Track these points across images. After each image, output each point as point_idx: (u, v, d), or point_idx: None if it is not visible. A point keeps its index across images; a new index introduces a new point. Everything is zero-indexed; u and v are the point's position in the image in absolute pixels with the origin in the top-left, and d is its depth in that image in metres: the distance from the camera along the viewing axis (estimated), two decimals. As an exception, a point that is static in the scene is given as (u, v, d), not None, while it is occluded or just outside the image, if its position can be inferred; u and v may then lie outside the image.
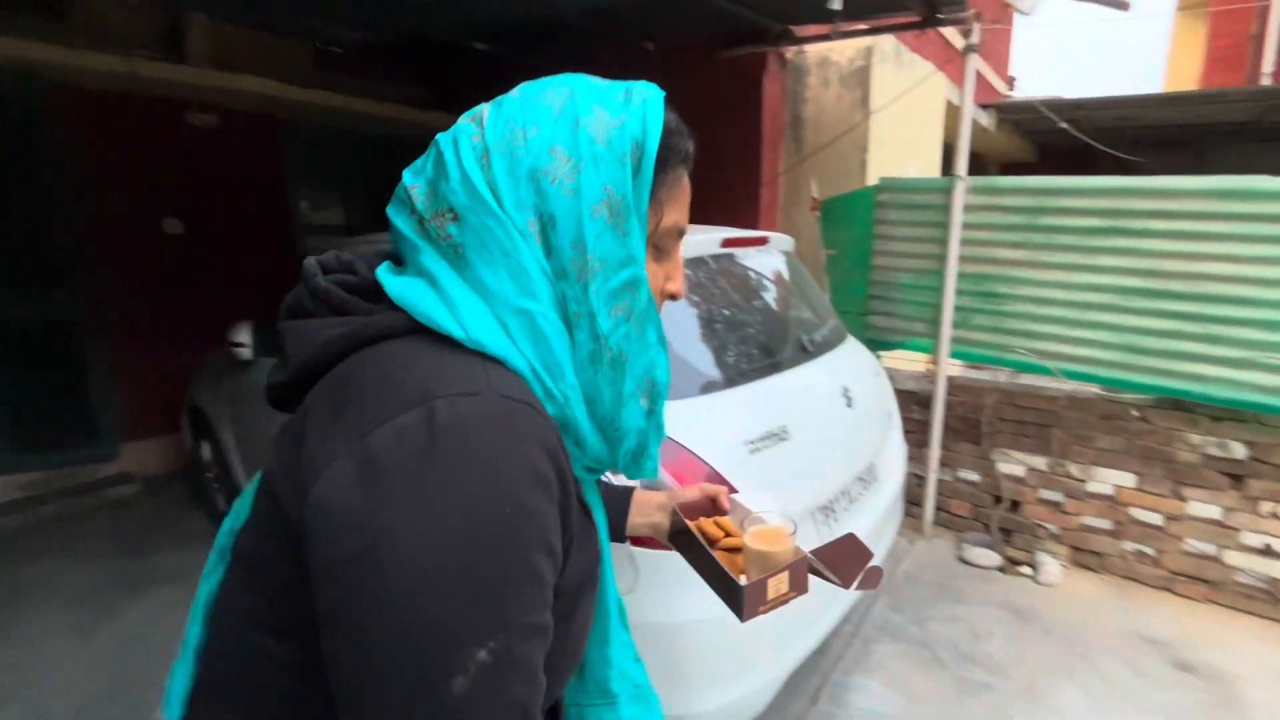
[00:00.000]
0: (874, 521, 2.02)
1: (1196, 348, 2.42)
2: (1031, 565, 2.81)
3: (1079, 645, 2.32)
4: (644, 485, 0.99)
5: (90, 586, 2.78)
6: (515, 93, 0.55)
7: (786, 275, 2.19)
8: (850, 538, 0.86)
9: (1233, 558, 2.51)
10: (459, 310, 0.50)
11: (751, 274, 2.02)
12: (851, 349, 2.29)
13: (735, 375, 1.70)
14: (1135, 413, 2.65)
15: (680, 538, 0.88)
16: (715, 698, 1.44)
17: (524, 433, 0.47)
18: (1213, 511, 2.54)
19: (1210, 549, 2.55)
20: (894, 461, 2.28)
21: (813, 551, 0.82)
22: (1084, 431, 2.77)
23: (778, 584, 0.77)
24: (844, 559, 0.84)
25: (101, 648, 2.37)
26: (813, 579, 0.80)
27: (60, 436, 3.83)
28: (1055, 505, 2.89)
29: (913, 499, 3.27)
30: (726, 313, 1.82)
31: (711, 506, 0.91)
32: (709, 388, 1.63)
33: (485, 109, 0.55)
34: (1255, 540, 2.47)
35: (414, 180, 0.55)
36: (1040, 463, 2.90)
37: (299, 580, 0.47)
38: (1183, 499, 2.59)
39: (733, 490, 0.96)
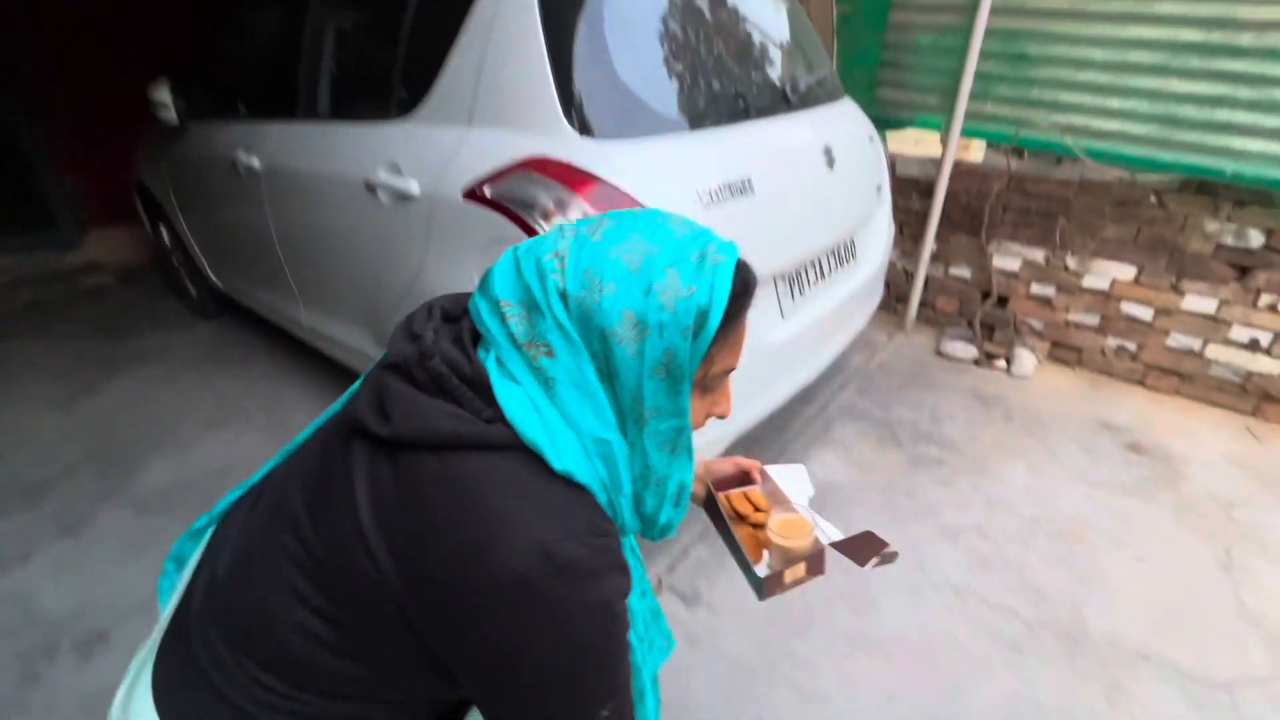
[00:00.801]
0: (845, 303, 1.91)
1: (1245, 117, 2.11)
2: (1008, 360, 2.79)
3: (1036, 429, 2.36)
4: None
5: (69, 365, 2.81)
6: (598, 236, 0.59)
7: (780, 14, 1.83)
8: (869, 534, 0.88)
9: (1215, 351, 2.45)
10: (557, 442, 0.58)
11: (735, 5, 1.67)
12: (844, 110, 2.00)
13: (696, 117, 1.46)
14: (1153, 198, 2.41)
15: (711, 509, 0.96)
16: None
17: (610, 561, 0.59)
18: (1208, 306, 2.42)
19: (1195, 344, 2.49)
20: (877, 240, 2.11)
21: (832, 544, 0.87)
22: (1092, 220, 2.56)
23: (795, 573, 0.86)
24: (861, 547, 0.88)
25: (83, 418, 2.44)
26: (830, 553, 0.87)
27: (18, 224, 3.73)
28: (1044, 301, 2.78)
29: (898, 295, 3.17)
30: (698, 45, 1.52)
31: (744, 477, 1.02)
32: (664, 127, 1.41)
33: (567, 246, 0.59)
34: (1243, 335, 2.38)
35: (507, 297, 0.60)
36: (1038, 256, 2.73)
37: (380, 617, 0.60)
38: (1180, 292, 2.46)
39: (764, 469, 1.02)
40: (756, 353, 1.52)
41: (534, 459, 0.58)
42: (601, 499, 0.62)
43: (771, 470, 1.01)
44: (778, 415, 2.39)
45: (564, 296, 0.57)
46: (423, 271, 1.57)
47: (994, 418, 2.42)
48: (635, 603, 0.81)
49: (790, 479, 1.01)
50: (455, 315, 0.67)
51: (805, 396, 2.52)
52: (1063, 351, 2.81)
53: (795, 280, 1.68)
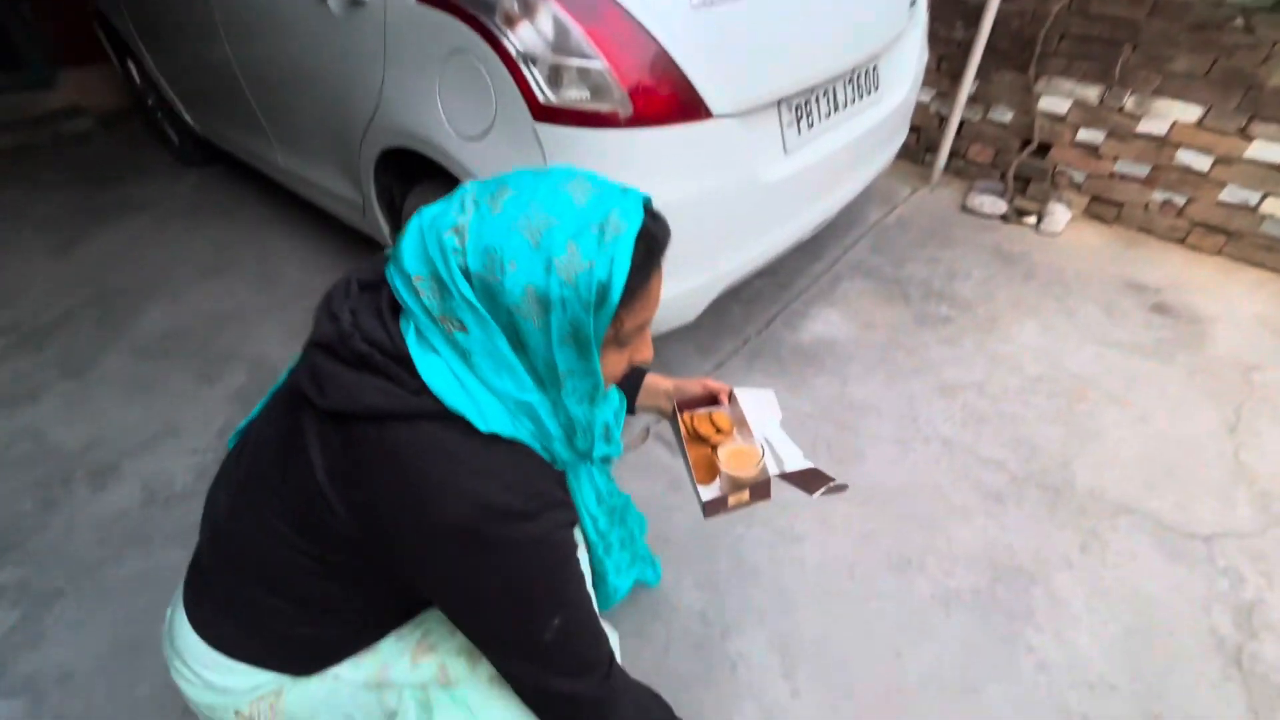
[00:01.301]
0: (862, 141, 1.71)
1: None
2: (1038, 216, 2.58)
3: (1057, 288, 2.22)
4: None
5: (60, 214, 2.75)
6: (498, 208, 0.58)
7: None
8: (815, 470, 0.90)
9: (1273, 205, 2.22)
10: (480, 406, 0.62)
11: None
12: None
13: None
14: (1239, 20, 2.06)
15: (674, 427, 1.01)
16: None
17: (543, 503, 0.64)
18: (1275, 154, 2.16)
19: (1252, 197, 2.25)
20: (905, 69, 1.86)
21: (779, 475, 0.90)
22: (1162, 50, 2.22)
23: (739, 498, 0.91)
24: (809, 479, 0.90)
25: (78, 267, 2.42)
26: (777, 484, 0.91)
27: None
28: (1090, 149, 2.50)
29: (927, 144, 2.89)
30: None
31: (712, 399, 1.06)
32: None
33: (467, 221, 0.58)
34: (1309, 186, 2.14)
35: (418, 271, 0.60)
36: (1091, 95, 2.42)
37: (351, 550, 0.66)
38: (1248, 137, 2.18)
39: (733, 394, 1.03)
40: (750, 191, 1.39)
41: (462, 423, 0.61)
42: (535, 447, 0.67)
43: (741, 394, 1.02)
44: (783, 272, 2.28)
45: (467, 274, 0.58)
46: (383, 95, 1.41)
47: (1013, 276, 2.28)
48: (593, 508, 0.89)
49: (759, 404, 1.03)
50: (375, 283, 0.66)
51: (813, 252, 2.39)
52: (1101, 206, 2.58)
53: (803, 109, 1.49)
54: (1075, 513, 1.49)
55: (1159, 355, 1.94)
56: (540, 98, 1.15)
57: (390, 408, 0.60)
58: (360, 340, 0.61)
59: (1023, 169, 2.68)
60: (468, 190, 0.62)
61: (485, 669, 0.79)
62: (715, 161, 1.30)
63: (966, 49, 2.53)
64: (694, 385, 1.07)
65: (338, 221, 2.23)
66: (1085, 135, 2.50)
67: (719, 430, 1.01)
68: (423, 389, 0.60)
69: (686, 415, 1.03)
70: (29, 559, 1.43)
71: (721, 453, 0.96)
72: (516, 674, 0.70)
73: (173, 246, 2.53)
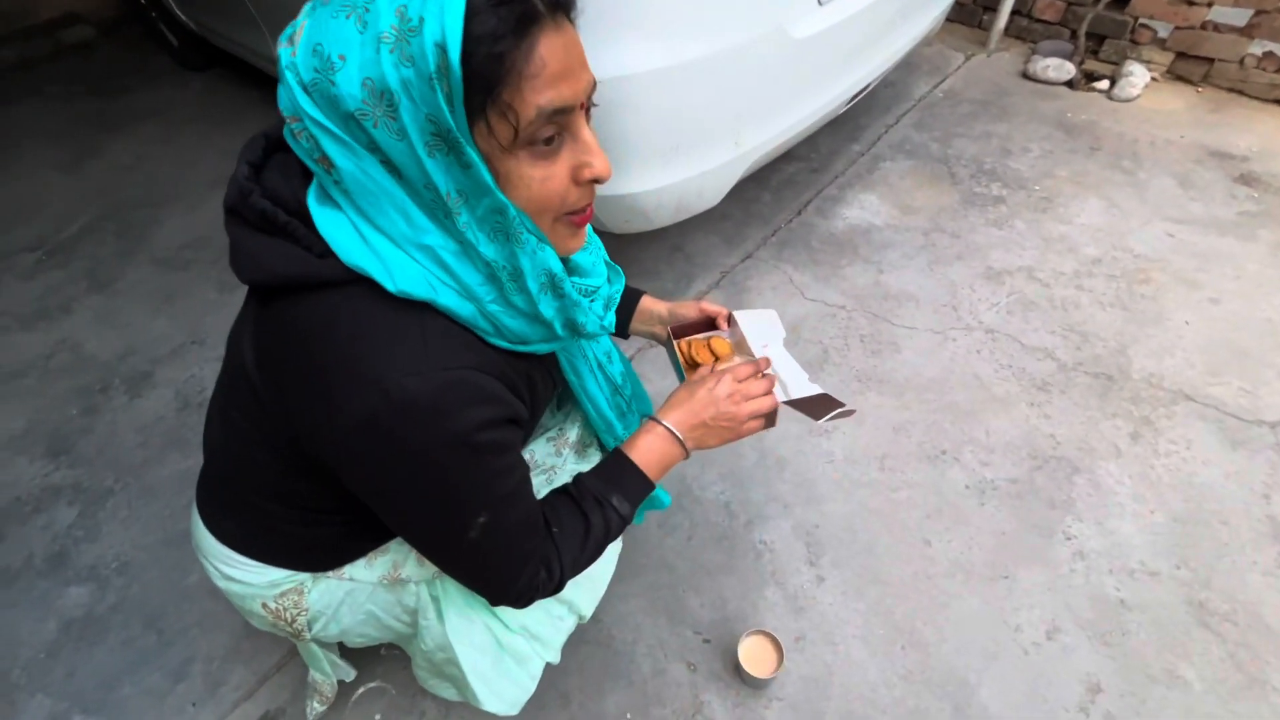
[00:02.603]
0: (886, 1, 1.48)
1: None
2: (1112, 79, 2.28)
3: (1127, 160, 1.99)
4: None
5: (68, 127, 2.70)
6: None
7: None
8: (823, 396, 0.83)
9: (1397, 50, 1.91)
10: (386, 262, 0.50)
11: None
12: None
13: None
14: None
15: (670, 354, 0.95)
16: (649, 175, 1.25)
17: (465, 389, 0.53)
18: None
19: (1371, 41, 1.93)
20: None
21: (785, 403, 0.83)
22: None
23: None
24: (816, 405, 0.85)
25: (92, 180, 2.39)
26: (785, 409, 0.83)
27: None
28: (1180, -6, 2.16)
29: (986, 1, 2.55)
30: None
31: (709, 323, 0.96)
32: None
33: (302, 24, 0.47)
34: None
35: (286, 109, 0.48)
36: (1188, -76, 2.05)
37: (295, 454, 0.61)
38: (1378, -35, 1.84)
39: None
40: (780, 49, 1.23)
41: (372, 287, 0.51)
42: (464, 312, 0.54)
43: (741, 317, 0.94)
44: (816, 155, 2.10)
45: (307, 90, 0.46)
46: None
47: (1077, 149, 2.06)
48: (605, 409, 0.85)
49: (760, 325, 0.95)
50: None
51: (849, 132, 2.19)
52: (1187, 64, 2.27)
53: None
54: (1128, 401, 1.40)
55: (1239, 231, 1.74)
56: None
57: (296, 273, 0.51)
58: (260, 196, 0.52)
59: (1097, 25, 2.35)
60: None
61: None
62: (737, 14, 1.13)
63: (1039, -124, 2.16)
64: (689, 309, 0.96)
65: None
66: (1176, -23, 2.15)
67: (718, 358, 0.94)
68: (328, 251, 0.51)
69: (683, 343, 0.97)
70: (80, 461, 1.50)
71: (740, 650, 1.01)
72: (449, 571, 0.66)
73: (183, 155, 2.47)
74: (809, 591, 1.16)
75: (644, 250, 1.84)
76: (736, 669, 1.05)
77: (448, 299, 0.52)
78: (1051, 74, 2.33)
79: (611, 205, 1.30)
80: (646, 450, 0.75)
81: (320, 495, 0.67)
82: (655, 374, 1.53)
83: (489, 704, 0.80)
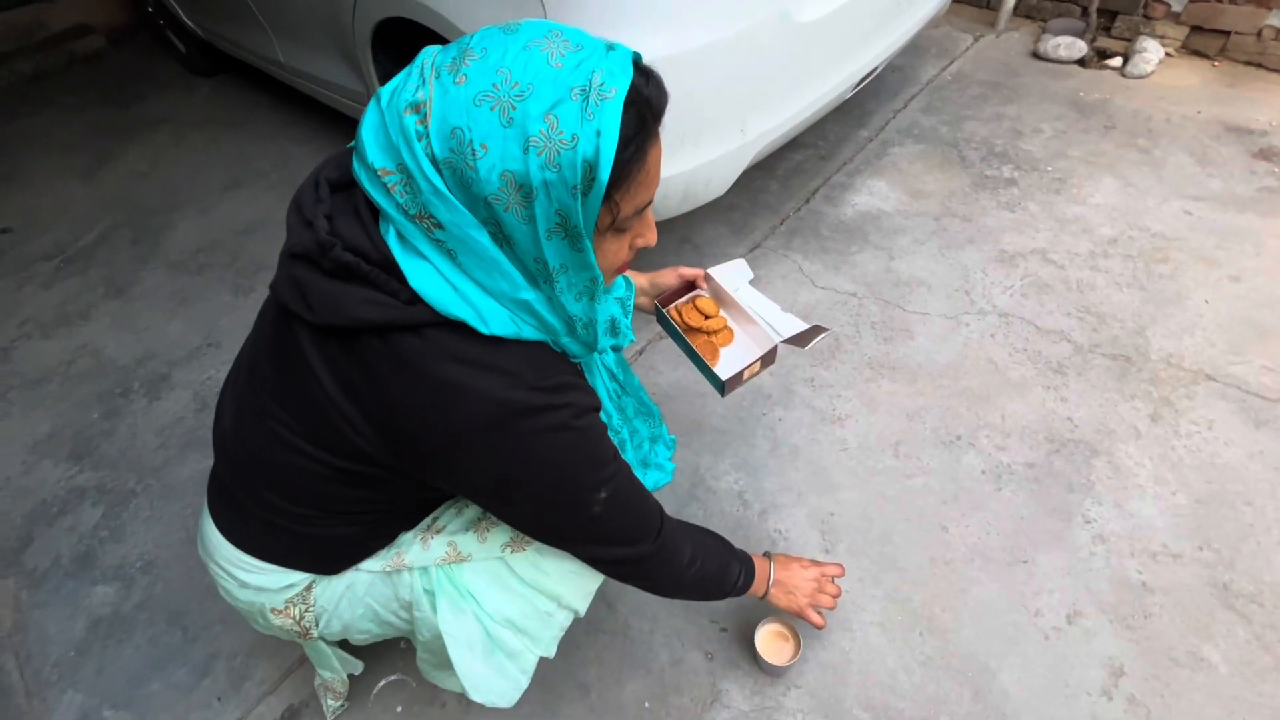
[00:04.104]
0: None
1: None
2: (1124, 57, 2.24)
3: (1142, 138, 1.96)
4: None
5: (83, 136, 2.74)
6: (462, 77, 0.49)
7: None
8: (816, 328, 0.94)
9: None
10: (479, 309, 0.56)
11: None
12: None
13: None
14: None
15: (664, 321, 1.01)
16: (664, 165, 1.24)
17: (558, 391, 0.62)
18: None
19: (1395, 8, 1.88)
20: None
21: (783, 341, 0.94)
22: None
23: (751, 369, 0.95)
24: (804, 336, 0.94)
25: (107, 187, 2.42)
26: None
27: None
28: (1195, -34, 2.11)
29: (995, -20, 2.51)
30: None
31: (690, 286, 1.04)
32: None
33: (430, 96, 0.49)
34: None
35: (383, 164, 0.52)
36: (1202, -106, 2.01)
37: (374, 465, 0.64)
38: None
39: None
40: (784, 34, 1.22)
41: (463, 328, 0.56)
42: (543, 338, 0.62)
43: (715, 271, 1.03)
44: (824, 142, 2.09)
45: (435, 163, 0.50)
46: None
47: (1090, 128, 2.02)
48: (606, 404, 0.93)
49: (732, 274, 1.03)
50: (346, 182, 0.60)
51: (857, 118, 2.17)
52: (1203, 39, 2.22)
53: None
54: (1147, 382, 1.38)
55: (1259, 208, 1.71)
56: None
57: (385, 319, 0.55)
58: (342, 249, 0.55)
59: (1108, 1, 2.30)
60: (427, 56, 0.52)
61: (497, 539, 0.79)
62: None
63: None
64: (668, 276, 1.04)
65: (353, 121, 2.13)
66: (1190, -51, 2.10)
67: (707, 316, 1.01)
68: (415, 298, 0.55)
69: (673, 310, 1.03)
70: (103, 463, 1.52)
71: (758, 639, 1.04)
72: (575, 551, 0.74)
73: (194, 161, 2.50)
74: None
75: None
76: (754, 657, 1.05)
77: (529, 335, 0.60)
78: (1063, 53, 2.29)
79: (618, 197, 1.29)
80: (761, 569, 0.95)
81: (371, 499, 0.70)
82: (666, 365, 1.53)
83: (477, 695, 0.81)
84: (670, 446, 1.29)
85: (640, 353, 1.58)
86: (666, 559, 0.78)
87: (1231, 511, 1.18)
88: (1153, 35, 2.25)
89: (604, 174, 0.49)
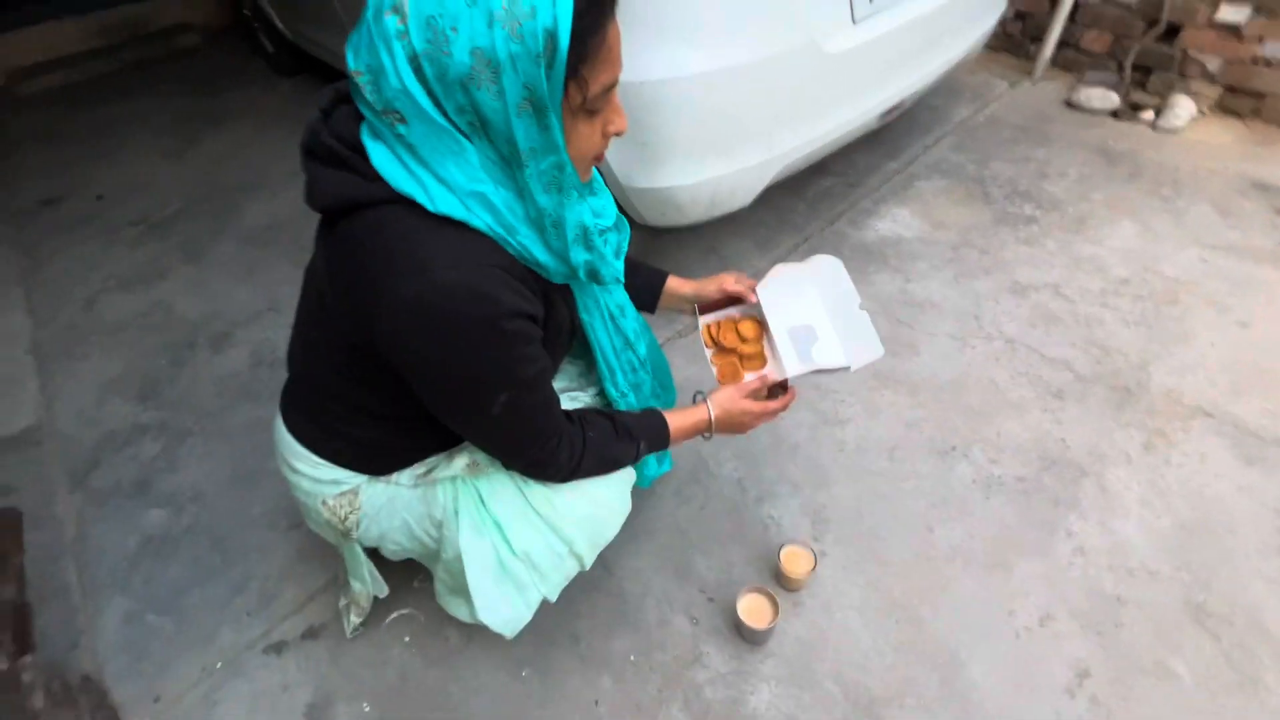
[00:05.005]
0: (940, 16, 1.57)
1: None
2: (1158, 110, 2.30)
3: (1166, 188, 2.01)
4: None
5: (174, 121, 3.01)
6: None
7: None
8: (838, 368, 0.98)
9: None
10: (429, 190, 0.63)
11: None
12: None
13: None
14: None
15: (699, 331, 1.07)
16: (684, 171, 1.36)
17: (492, 285, 0.65)
18: None
19: None
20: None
21: (814, 371, 0.97)
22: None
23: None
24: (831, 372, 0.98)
25: (192, 167, 2.67)
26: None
27: None
28: (1230, 30, 2.18)
29: (1034, 31, 2.61)
30: None
31: (733, 302, 1.08)
32: None
33: None
34: None
35: (357, 66, 0.59)
36: (1239, -39, 2.08)
37: (350, 350, 0.75)
38: None
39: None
40: (811, 61, 1.34)
41: (414, 206, 0.63)
42: (494, 234, 0.66)
43: (765, 295, 1.01)
44: (853, 170, 2.19)
45: (414, 60, 0.56)
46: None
47: (1115, 175, 2.08)
48: (610, 357, 0.97)
49: (787, 293, 1.01)
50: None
51: (887, 149, 2.27)
52: (1237, 99, 2.27)
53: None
54: (1143, 413, 1.42)
55: (1277, 260, 1.74)
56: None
57: (352, 195, 0.64)
58: (328, 134, 0.65)
59: (1144, 57, 2.38)
60: None
61: None
62: (772, 26, 1.25)
63: (1089, -87, 2.23)
64: (711, 287, 1.07)
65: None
66: (1226, 12, 2.17)
67: (744, 339, 1.02)
68: (377, 176, 0.63)
69: (711, 325, 1.04)
70: (166, 405, 1.68)
71: (739, 604, 1.09)
72: (478, 444, 0.82)
73: (270, 149, 2.72)
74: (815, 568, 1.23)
75: (681, 250, 1.95)
76: (736, 626, 1.13)
77: (479, 224, 0.64)
78: (1096, 103, 2.37)
79: (649, 198, 1.42)
80: (683, 419, 0.94)
81: (373, 399, 0.81)
82: (683, 360, 1.63)
83: (484, 614, 0.90)
84: None
85: (663, 344, 1.68)
86: (545, 464, 0.82)
87: (1214, 538, 1.21)
88: (1187, 93, 2.31)
89: (563, 40, 0.54)
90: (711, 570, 1.24)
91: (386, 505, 0.92)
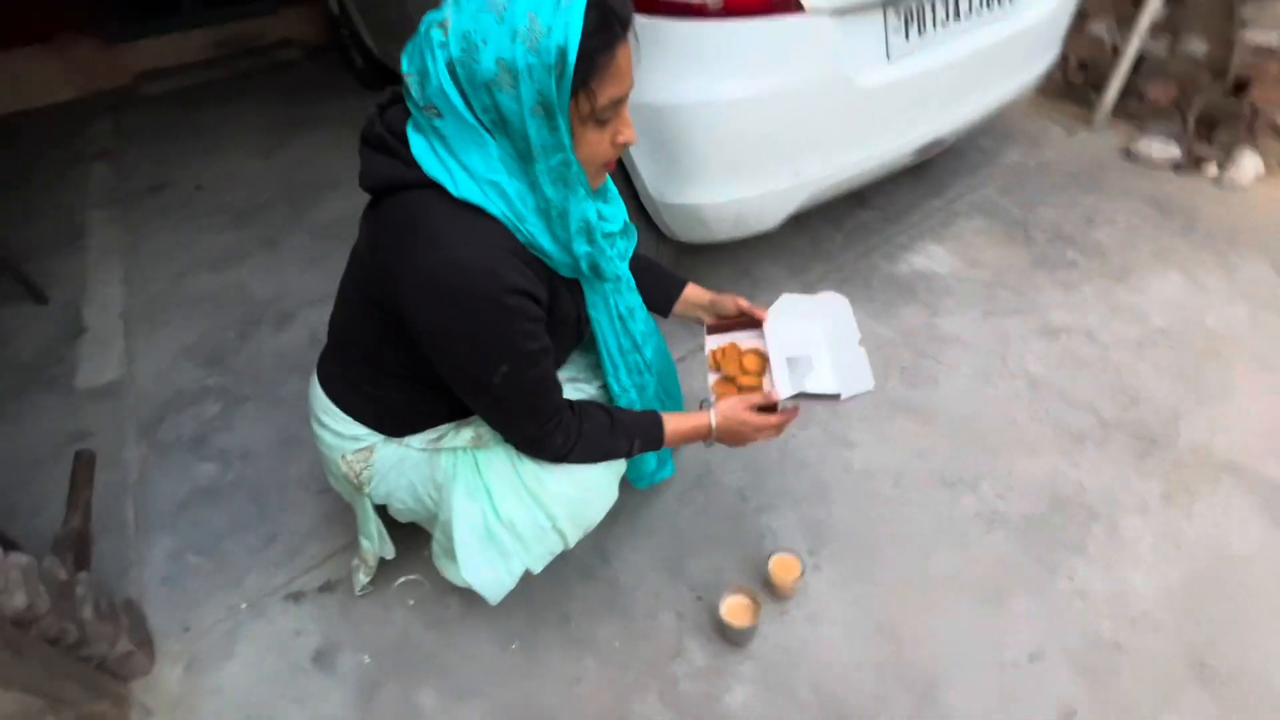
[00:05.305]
0: (987, 58, 1.61)
1: None
2: (1221, 165, 2.24)
3: (1221, 243, 1.95)
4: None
5: (269, 124, 3.32)
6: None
7: None
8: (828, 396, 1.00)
9: None
10: (454, 176, 0.73)
11: None
12: None
13: None
14: None
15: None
16: (712, 190, 1.44)
17: (500, 263, 0.75)
18: None
19: None
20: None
21: (802, 397, 1.00)
22: None
23: None
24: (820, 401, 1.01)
25: (277, 166, 2.93)
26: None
27: None
28: (1305, 86, 2.11)
29: (1096, 80, 2.58)
30: None
31: (743, 323, 1.15)
32: None
33: (449, 13, 0.68)
34: None
35: (409, 69, 0.71)
36: (1314, 18, 2.03)
37: (380, 315, 0.85)
38: None
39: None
40: (841, 94, 1.40)
41: (442, 191, 0.74)
42: (507, 221, 0.77)
43: (770, 330, 1.07)
44: (892, 206, 2.22)
45: (450, 65, 0.68)
46: None
47: (1168, 227, 2.04)
48: (614, 354, 1.04)
49: (793, 331, 1.07)
50: None
51: (931, 187, 2.29)
52: (1309, 157, 2.19)
53: (914, 14, 1.45)
54: (1168, 465, 1.39)
55: (1335, 323, 1.67)
56: (640, -11, 1.25)
57: (393, 176, 0.76)
58: (379, 125, 0.77)
59: (1211, 110, 2.32)
60: None
61: None
62: (804, 59, 1.32)
63: (1155, -34, 2.22)
64: (728, 302, 1.14)
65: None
66: (1300, 69, 2.11)
67: (745, 371, 1.07)
68: (415, 163, 0.74)
69: (717, 350, 1.09)
70: (229, 372, 1.86)
71: (724, 604, 1.12)
72: (481, 412, 0.90)
73: (347, 156, 2.88)
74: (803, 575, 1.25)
75: (715, 272, 2.01)
76: (719, 627, 1.16)
77: (494, 210, 0.75)
78: (1155, 154, 2.32)
79: (678, 213, 1.50)
80: (683, 423, 1.00)
81: (396, 359, 0.90)
82: (693, 376, 1.68)
83: (467, 573, 0.97)
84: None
85: (680, 360, 1.74)
86: (540, 442, 0.90)
87: (1227, 596, 1.17)
88: (1255, 149, 2.24)
89: (572, 54, 0.65)
90: (703, 572, 1.27)
91: (396, 465, 1.01)
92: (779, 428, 1.04)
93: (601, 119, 0.74)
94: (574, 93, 0.69)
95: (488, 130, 0.72)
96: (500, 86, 0.67)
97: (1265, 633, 1.12)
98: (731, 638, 1.15)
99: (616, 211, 0.91)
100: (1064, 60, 2.69)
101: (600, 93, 0.70)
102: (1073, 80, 2.69)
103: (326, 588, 1.31)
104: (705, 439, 1.03)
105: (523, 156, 0.73)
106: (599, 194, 0.87)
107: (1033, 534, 1.29)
